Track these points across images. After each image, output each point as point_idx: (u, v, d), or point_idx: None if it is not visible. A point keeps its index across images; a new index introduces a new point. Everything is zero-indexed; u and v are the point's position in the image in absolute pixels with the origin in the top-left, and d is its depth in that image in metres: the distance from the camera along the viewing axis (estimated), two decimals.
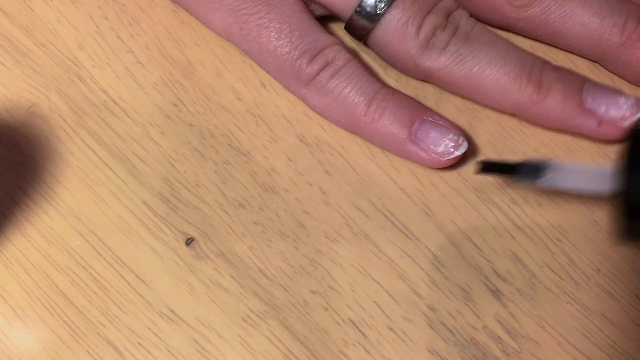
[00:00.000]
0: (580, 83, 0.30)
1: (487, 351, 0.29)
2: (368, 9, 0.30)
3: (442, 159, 0.30)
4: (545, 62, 0.30)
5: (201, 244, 0.30)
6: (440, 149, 0.29)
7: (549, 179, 0.27)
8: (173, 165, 0.31)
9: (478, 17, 0.31)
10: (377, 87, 0.30)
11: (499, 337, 0.29)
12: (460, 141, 0.30)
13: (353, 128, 0.31)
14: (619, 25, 0.30)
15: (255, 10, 0.30)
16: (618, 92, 0.30)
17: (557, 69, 0.30)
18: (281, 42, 0.30)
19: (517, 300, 0.29)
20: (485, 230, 0.30)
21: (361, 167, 0.31)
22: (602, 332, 0.29)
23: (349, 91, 0.30)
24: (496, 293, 0.29)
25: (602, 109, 0.29)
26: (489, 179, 0.31)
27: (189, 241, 0.30)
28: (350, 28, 0.31)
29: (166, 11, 0.33)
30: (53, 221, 0.30)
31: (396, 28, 0.30)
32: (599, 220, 0.30)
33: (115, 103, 0.32)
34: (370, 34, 0.31)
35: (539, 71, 0.30)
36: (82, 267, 0.30)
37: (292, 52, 0.30)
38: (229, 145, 0.31)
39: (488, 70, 0.30)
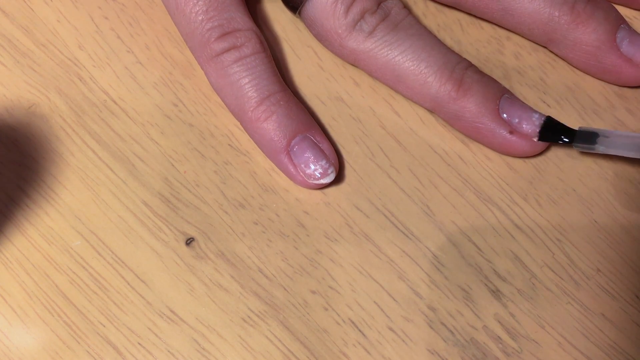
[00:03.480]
0: (500, 92, 0.30)
1: (487, 351, 0.29)
2: None
3: (308, 181, 0.30)
4: (470, 65, 0.30)
5: (201, 244, 0.30)
6: (309, 171, 0.30)
7: (601, 146, 0.29)
8: (173, 165, 0.31)
9: None
10: (275, 89, 0.30)
11: (499, 337, 0.29)
12: (329, 171, 0.30)
13: (239, 119, 0.30)
14: (569, 3, 0.30)
15: None
16: (533, 109, 0.30)
17: (481, 73, 0.30)
18: (197, 9, 0.30)
19: (517, 300, 0.29)
20: (485, 230, 0.30)
21: (361, 167, 0.31)
22: (602, 332, 0.29)
23: (246, 82, 0.30)
24: (496, 293, 0.29)
25: (516, 120, 0.30)
26: (489, 180, 0.31)
27: (189, 241, 0.30)
28: None
29: (166, 11, 0.33)
30: (53, 221, 0.30)
31: (326, 5, 0.30)
32: (599, 220, 0.30)
33: (115, 103, 0.32)
34: (303, 8, 0.31)
35: (462, 71, 0.30)
36: (82, 267, 0.30)
37: (205, 22, 0.30)
38: (229, 145, 0.31)
39: (410, 60, 0.30)
